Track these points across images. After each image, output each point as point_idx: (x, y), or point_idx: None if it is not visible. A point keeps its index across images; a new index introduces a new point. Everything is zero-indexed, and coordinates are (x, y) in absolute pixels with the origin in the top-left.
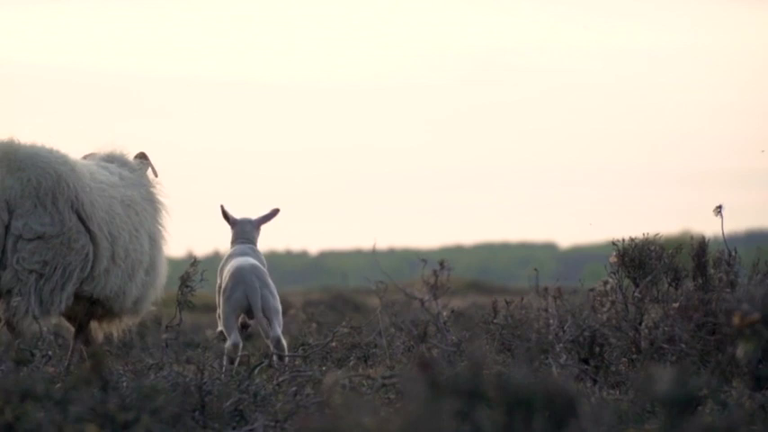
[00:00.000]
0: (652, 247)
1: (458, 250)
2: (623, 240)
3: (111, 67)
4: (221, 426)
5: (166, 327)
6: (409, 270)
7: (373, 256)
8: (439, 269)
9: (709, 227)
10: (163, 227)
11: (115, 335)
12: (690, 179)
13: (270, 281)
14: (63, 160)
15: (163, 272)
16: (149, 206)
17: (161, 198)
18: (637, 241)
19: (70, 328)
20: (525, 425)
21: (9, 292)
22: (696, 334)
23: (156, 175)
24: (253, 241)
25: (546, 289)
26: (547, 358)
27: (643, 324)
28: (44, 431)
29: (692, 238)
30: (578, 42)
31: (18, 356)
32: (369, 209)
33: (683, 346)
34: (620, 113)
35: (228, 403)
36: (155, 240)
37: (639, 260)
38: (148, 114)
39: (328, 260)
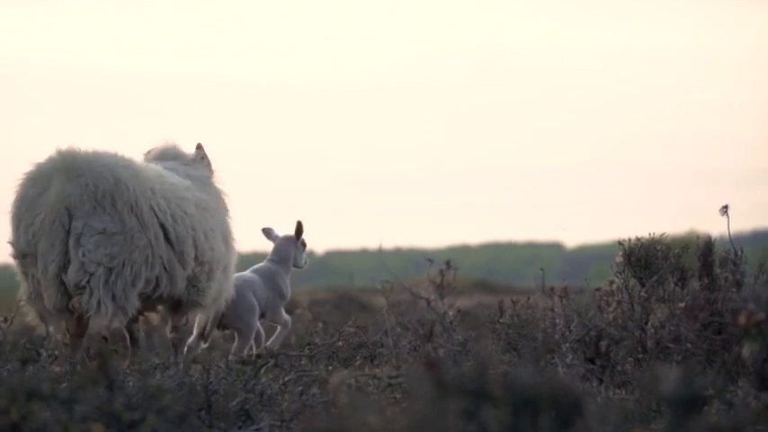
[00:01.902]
0: (658, 247)
1: (464, 250)
2: (629, 240)
3: (111, 67)
4: (227, 425)
5: (173, 327)
6: (415, 270)
7: (379, 256)
8: (445, 268)
9: (715, 227)
10: (231, 218)
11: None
12: (695, 179)
13: (250, 297)
14: (124, 164)
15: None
16: (220, 206)
17: (226, 196)
18: (643, 241)
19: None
20: (531, 424)
21: (77, 286)
22: (702, 333)
23: (212, 170)
24: (284, 260)
25: (552, 288)
26: (553, 358)
27: (649, 324)
28: (50, 431)
29: (698, 237)
30: (578, 42)
31: (24, 355)
32: (375, 209)
33: (689, 345)
34: (620, 113)
35: (234, 403)
36: (227, 240)
37: (645, 260)
38: (148, 114)
39: (334, 260)
